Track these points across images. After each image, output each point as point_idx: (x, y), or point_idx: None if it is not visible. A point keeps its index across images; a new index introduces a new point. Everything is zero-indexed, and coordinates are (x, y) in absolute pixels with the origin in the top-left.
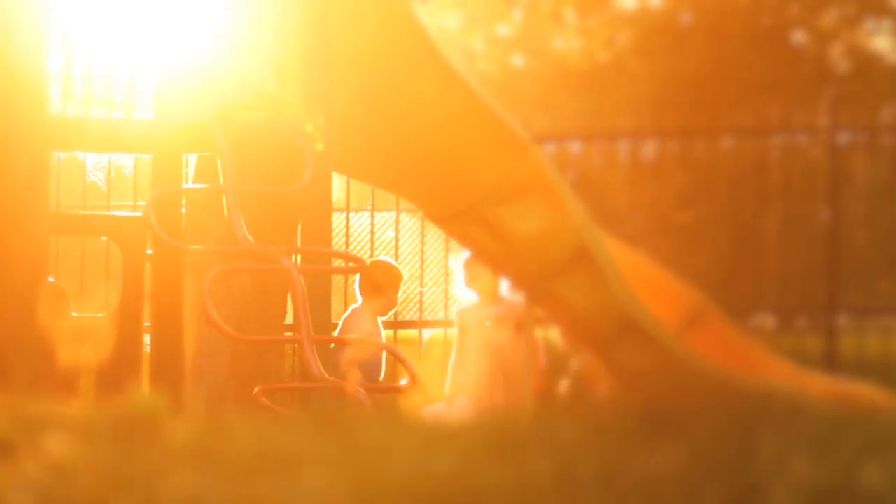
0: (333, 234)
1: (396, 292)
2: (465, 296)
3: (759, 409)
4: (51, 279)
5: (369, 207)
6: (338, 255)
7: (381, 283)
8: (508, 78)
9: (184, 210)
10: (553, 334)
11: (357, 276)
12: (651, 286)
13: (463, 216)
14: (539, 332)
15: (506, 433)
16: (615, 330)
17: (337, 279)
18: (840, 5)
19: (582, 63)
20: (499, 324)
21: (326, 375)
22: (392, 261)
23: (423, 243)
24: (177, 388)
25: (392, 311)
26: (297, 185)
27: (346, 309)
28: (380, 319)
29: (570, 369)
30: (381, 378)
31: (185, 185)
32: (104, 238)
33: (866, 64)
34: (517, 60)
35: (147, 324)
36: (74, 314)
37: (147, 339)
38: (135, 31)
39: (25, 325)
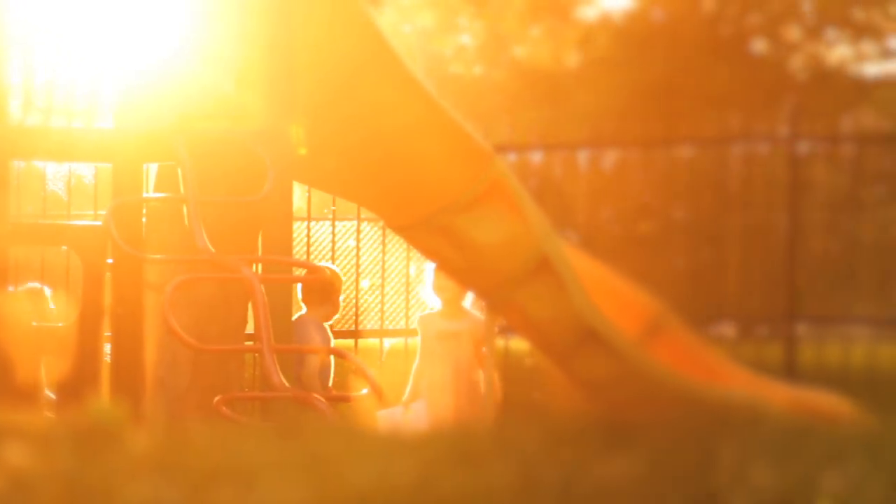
0: (294, 244)
1: (339, 297)
2: (430, 301)
3: (719, 419)
4: (10, 289)
5: (330, 216)
6: (298, 264)
7: (324, 289)
8: (469, 87)
9: (144, 219)
10: (517, 343)
11: (299, 285)
12: (611, 296)
13: (424, 225)
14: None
15: (465, 442)
16: (575, 339)
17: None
18: (800, 16)
19: (544, 71)
20: (458, 338)
21: (287, 385)
22: (332, 266)
23: (384, 252)
24: (137, 397)
25: (335, 317)
26: (258, 195)
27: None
28: (327, 325)
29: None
30: (329, 384)
31: (145, 195)
32: (64, 247)
33: (826, 74)
34: (478, 69)
35: (107, 333)
36: (35, 324)
37: (107, 348)
38: (95, 40)
39: None
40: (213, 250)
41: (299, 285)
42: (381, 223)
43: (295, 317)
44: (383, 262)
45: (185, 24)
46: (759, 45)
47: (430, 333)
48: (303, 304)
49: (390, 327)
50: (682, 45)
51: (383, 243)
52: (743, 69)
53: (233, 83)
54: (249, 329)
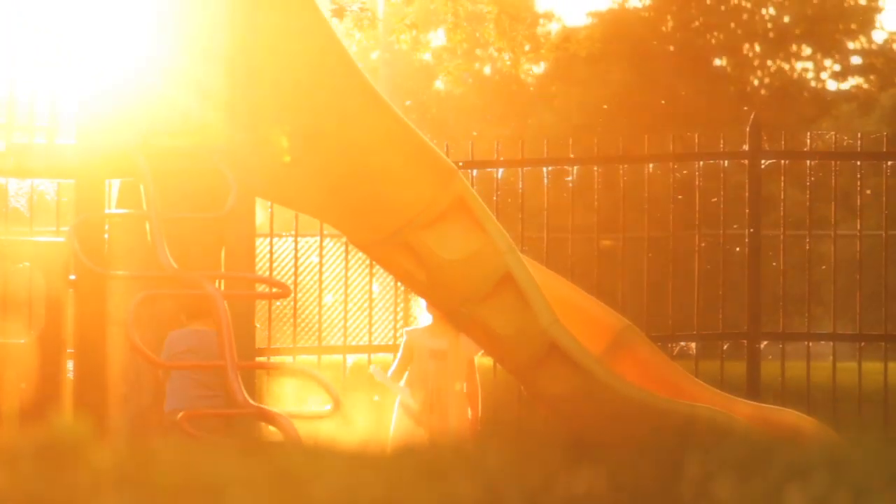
0: (257, 260)
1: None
2: (422, 317)
3: (683, 433)
4: None
5: (293, 233)
6: (262, 280)
7: (203, 306)
8: (434, 104)
9: (107, 236)
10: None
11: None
12: (575, 311)
13: (387, 242)
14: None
15: (431, 458)
16: (539, 354)
17: (261, 304)
18: (762, 33)
19: (507, 89)
20: (447, 356)
21: (251, 401)
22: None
23: (347, 269)
24: (100, 413)
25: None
26: (221, 211)
27: (269, 334)
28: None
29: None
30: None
31: (107, 211)
32: (27, 264)
33: (787, 90)
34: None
35: (70, 349)
36: None
37: (70, 364)
38: (57, 57)
39: None
40: (175, 266)
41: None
42: (344, 239)
43: (187, 330)
44: (346, 278)
45: (148, 41)
46: (721, 62)
47: (422, 351)
48: (187, 320)
49: (353, 343)
50: (645, 61)
51: (346, 259)
52: (705, 85)
53: (196, 100)
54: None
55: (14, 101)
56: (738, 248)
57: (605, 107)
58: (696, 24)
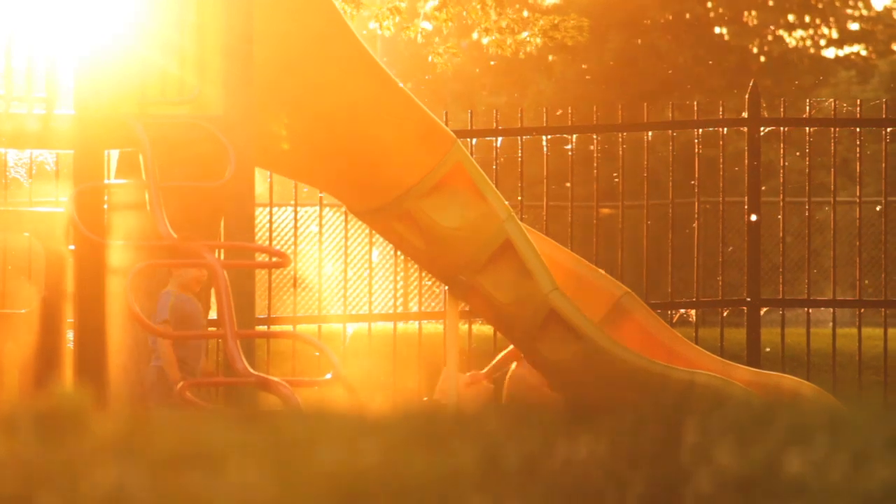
0: (256, 229)
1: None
2: None
3: (683, 399)
4: None
5: (292, 202)
6: (261, 249)
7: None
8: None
9: (105, 205)
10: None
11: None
12: (574, 279)
13: (386, 211)
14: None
15: (430, 424)
16: (538, 322)
17: (260, 274)
18: (761, 1)
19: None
20: None
21: (251, 370)
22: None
23: (346, 238)
24: (100, 383)
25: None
26: (220, 181)
27: (269, 303)
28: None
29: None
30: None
31: (107, 181)
32: (26, 234)
33: (786, 57)
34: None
35: (70, 319)
36: None
37: (70, 334)
38: (55, 27)
39: None
40: (175, 236)
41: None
42: (343, 209)
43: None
44: (346, 248)
45: (146, 10)
46: (721, 30)
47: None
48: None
49: (353, 312)
50: (644, 30)
51: (346, 228)
52: (704, 53)
53: (193, 70)
54: (212, 314)
55: (11, 72)
56: (737, 216)
57: (586, 78)
58: None
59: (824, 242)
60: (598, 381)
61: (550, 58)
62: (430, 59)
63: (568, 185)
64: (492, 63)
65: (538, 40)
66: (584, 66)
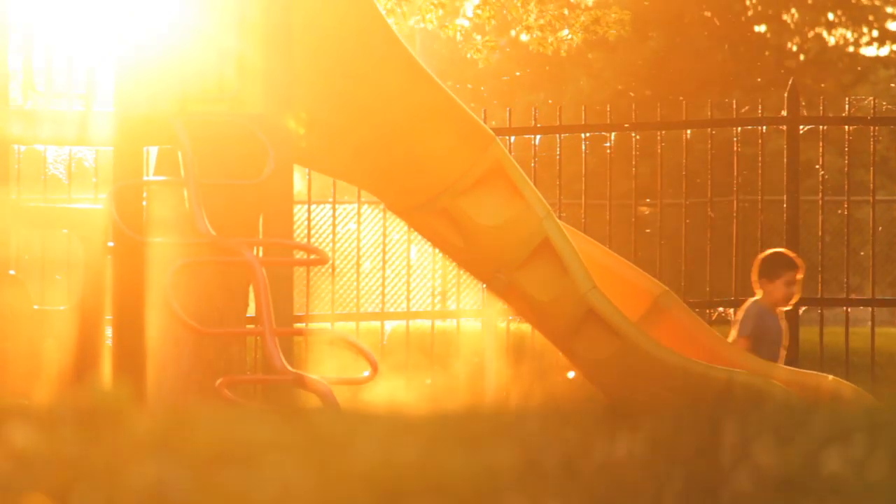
0: (295, 227)
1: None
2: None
3: (722, 398)
4: (12, 272)
5: (331, 200)
6: (299, 247)
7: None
8: (470, 70)
9: (145, 202)
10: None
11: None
12: (612, 277)
13: (424, 208)
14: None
15: (469, 424)
16: (576, 320)
17: (299, 271)
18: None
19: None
20: None
21: (289, 367)
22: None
23: (384, 235)
24: (139, 380)
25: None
26: (259, 178)
27: (307, 301)
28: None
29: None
30: None
31: (146, 178)
32: (65, 231)
33: (826, 56)
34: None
35: (109, 316)
36: (36, 307)
37: (109, 331)
38: (95, 24)
39: None
40: (214, 233)
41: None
42: (381, 206)
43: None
44: (384, 245)
45: (186, 6)
46: (760, 28)
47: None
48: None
49: (391, 310)
50: (683, 28)
51: (384, 226)
52: (743, 51)
53: (233, 66)
54: (251, 312)
55: (52, 69)
56: (776, 214)
57: (625, 76)
58: None
59: (863, 241)
60: (637, 381)
61: (589, 55)
62: (468, 55)
63: (606, 183)
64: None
65: (579, 36)
66: (622, 64)
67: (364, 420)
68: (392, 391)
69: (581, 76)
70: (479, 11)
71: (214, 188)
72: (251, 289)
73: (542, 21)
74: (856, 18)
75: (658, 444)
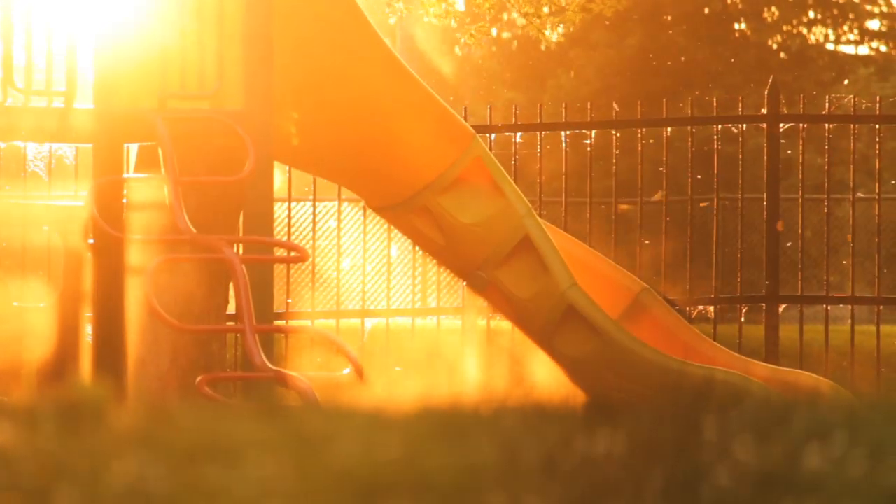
0: (276, 224)
1: None
2: None
3: (702, 396)
4: None
5: (311, 197)
6: (280, 244)
7: None
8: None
9: (125, 199)
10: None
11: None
12: (593, 274)
13: (404, 206)
14: None
15: (449, 420)
16: (557, 318)
17: (279, 269)
18: None
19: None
20: None
21: (269, 365)
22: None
23: (365, 233)
24: (119, 377)
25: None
26: (239, 175)
27: (287, 298)
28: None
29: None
30: None
31: (126, 175)
32: (45, 227)
33: (806, 54)
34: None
35: (88, 313)
36: (16, 304)
37: (89, 328)
38: (75, 20)
39: None
40: (194, 230)
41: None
42: (361, 204)
43: None
44: (364, 243)
45: (164, 3)
46: (741, 25)
47: None
48: None
49: (371, 307)
50: (663, 25)
51: (364, 224)
52: (723, 49)
53: (213, 63)
54: (231, 309)
55: (31, 66)
56: (756, 212)
57: (606, 73)
58: None
59: (843, 239)
60: (617, 378)
61: (570, 53)
62: (462, 40)
63: (587, 180)
64: (511, 63)
65: (578, 16)
66: (603, 62)
67: (344, 417)
68: (372, 388)
69: (562, 74)
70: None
71: (195, 185)
72: (231, 286)
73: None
74: (836, 17)
75: (638, 442)
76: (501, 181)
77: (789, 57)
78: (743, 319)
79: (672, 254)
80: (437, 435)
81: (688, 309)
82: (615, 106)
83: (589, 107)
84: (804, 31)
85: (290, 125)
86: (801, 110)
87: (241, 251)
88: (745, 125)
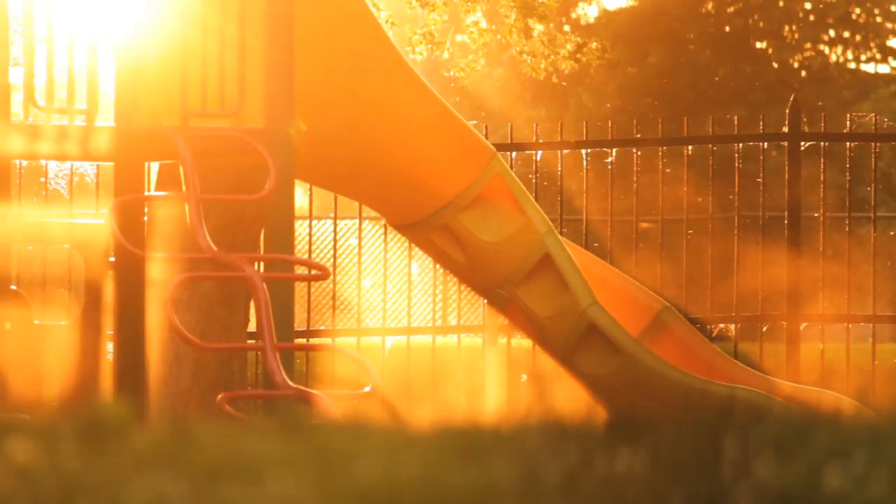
0: (296, 242)
1: None
2: None
3: (723, 414)
4: (13, 287)
5: (332, 215)
6: (301, 262)
7: None
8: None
9: (146, 218)
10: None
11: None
12: (613, 293)
13: (425, 224)
14: None
15: (469, 439)
16: (577, 336)
17: (300, 287)
18: (802, 16)
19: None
20: None
21: (290, 383)
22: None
23: (385, 251)
24: (140, 395)
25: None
26: (260, 193)
27: (308, 316)
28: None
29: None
30: None
31: (147, 193)
32: (66, 246)
33: (827, 72)
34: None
35: (109, 331)
36: (37, 322)
37: (110, 346)
38: (97, 39)
39: None
40: (215, 248)
41: None
42: (382, 222)
43: None
44: (385, 260)
45: (186, 21)
46: (761, 45)
47: None
48: None
49: (392, 325)
50: (684, 43)
51: (385, 241)
52: (744, 68)
53: (234, 82)
54: (252, 327)
55: (53, 84)
56: (777, 231)
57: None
58: (736, 5)
59: (865, 257)
60: (638, 397)
61: (591, 71)
62: (451, 73)
63: (608, 199)
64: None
65: (568, 63)
66: (624, 80)
67: (365, 435)
68: (393, 406)
69: (583, 92)
70: (473, 35)
71: (216, 203)
72: (252, 304)
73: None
74: (856, 35)
75: (659, 460)
76: (522, 199)
77: (810, 75)
78: (763, 338)
79: (693, 272)
80: (458, 453)
81: (709, 327)
82: (636, 124)
83: (610, 125)
84: (825, 49)
85: (310, 143)
86: (823, 128)
87: (261, 269)
88: (766, 143)
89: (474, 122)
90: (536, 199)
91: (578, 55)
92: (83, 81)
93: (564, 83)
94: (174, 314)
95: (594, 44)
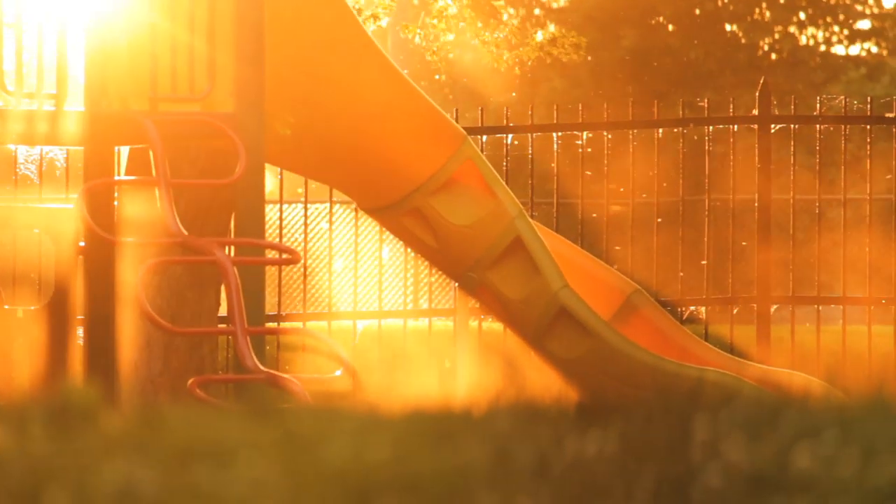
0: (267, 226)
1: None
2: None
3: (693, 396)
4: None
5: (302, 199)
6: (271, 246)
7: None
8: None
9: (116, 202)
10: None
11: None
12: (584, 276)
13: (396, 208)
14: None
15: (440, 421)
16: (548, 319)
17: (270, 271)
18: None
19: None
20: None
21: (261, 367)
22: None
23: (356, 234)
24: (110, 380)
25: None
26: (230, 177)
27: (279, 300)
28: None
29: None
30: None
31: (117, 177)
32: (36, 230)
33: (797, 55)
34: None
35: (80, 316)
36: (7, 307)
37: (80, 331)
38: (66, 23)
39: None
40: (185, 233)
41: None
42: (353, 206)
43: None
44: (356, 244)
45: (154, 5)
46: (731, 26)
47: None
48: None
49: (363, 309)
50: (656, 27)
51: (356, 225)
52: (715, 50)
53: (204, 66)
54: (222, 312)
55: (22, 68)
56: (747, 213)
57: (598, 75)
58: None
59: (834, 240)
60: (609, 379)
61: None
62: (427, 57)
63: (578, 182)
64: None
65: (533, 55)
66: (595, 63)
67: (336, 418)
68: (364, 390)
69: (554, 75)
70: (434, 22)
71: (186, 188)
72: (223, 288)
73: (498, 36)
74: (826, 17)
75: (629, 442)
76: (493, 183)
77: (780, 58)
78: (734, 320)
79: (663, 254)
80: (428, 436)
81: (680, 309)
82: (606, 108)
83: (580, 108)
84: (795, 31)
85: (280, 127)
86: (793, 111)
87: (232, 253)
88: (736, 126)
89: (444, 104)
90: (507, 183)
91: (551, 49)
92: (52, 66)
93: (530, 75)
94: (145, 299)
95: (572, 38)
